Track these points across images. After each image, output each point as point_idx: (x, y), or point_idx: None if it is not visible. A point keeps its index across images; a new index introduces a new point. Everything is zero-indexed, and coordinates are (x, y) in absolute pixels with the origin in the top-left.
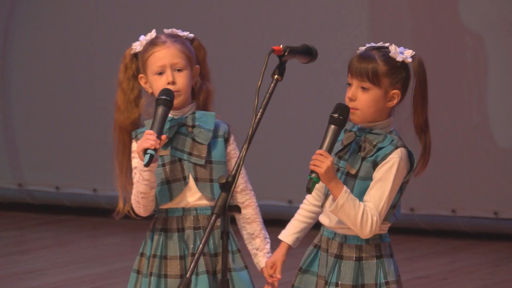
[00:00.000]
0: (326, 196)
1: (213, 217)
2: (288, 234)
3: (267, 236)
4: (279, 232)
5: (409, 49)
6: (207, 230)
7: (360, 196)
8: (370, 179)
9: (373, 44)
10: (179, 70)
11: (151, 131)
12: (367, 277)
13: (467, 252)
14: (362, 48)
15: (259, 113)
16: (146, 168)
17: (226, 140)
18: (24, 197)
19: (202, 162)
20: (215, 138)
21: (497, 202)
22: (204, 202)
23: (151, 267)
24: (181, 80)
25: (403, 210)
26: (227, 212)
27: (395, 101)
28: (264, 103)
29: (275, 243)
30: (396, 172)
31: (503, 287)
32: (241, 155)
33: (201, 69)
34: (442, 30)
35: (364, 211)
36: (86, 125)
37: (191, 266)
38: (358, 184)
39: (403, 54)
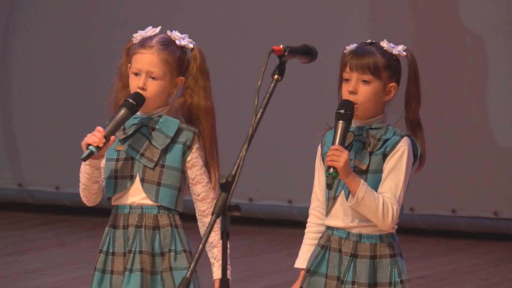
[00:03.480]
0: (334, 199)
1: (213, 217)
2: (303, 260)
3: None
4: (279, 232)
5: (408, 48)
6: (206, 231)
7: (374, 189)
8: (381, 172)
9: (364, 42)
10: (153, 78)
11: (101, 129)
12: (381, 275)
13: (467, 252)
14: (352, 46)
15: (259, 113)
16: (87, 162)
17: (188, 148)
18: (24, 197)
19: (151, 165)
20: (174, 143)
21: (497, 202)
22: (149, 202)
23: (96, 262)
24: (152, 88)
25: None
26: (227, 212)
27: (391, 95)
28: (264, 103)
29: (275, 243)
30: (407, 160)
31: (503, 287)
32: (241, 155)
33: (190, 81)
34: (442, 30)
35: (384, 201)
36: (86, 125)
37: (191, 266)
38: (370, 178)
39: (395, 48)
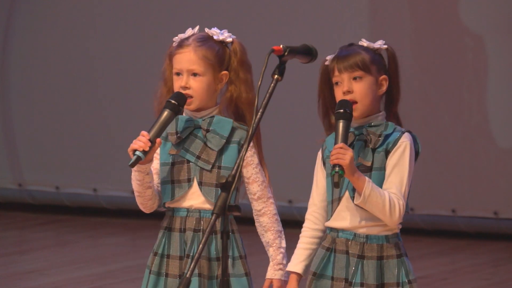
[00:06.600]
0: (338, 200)
1: (213, 217)
2: (295, 264)
3: (282, 245)
4: None
5: (408, 48)
6: (206, 231)
7: (378, 187)
8: (385, 169)
9: (343, 45)
10: (195, 75)
11: (145, 133)
12: (388, 276)
13: (467, 252)
14: (330, 56)
15: (259, 113)
16: (135, 168)
17: (243, 147)
18: (24, 197)
19: (209, 167)
20: (229, 143)
21: (497, 202)
22: (208, 206)
23: (152, 265)
24: (196, 85)
25: None
26: (227, 212)
27: (384, 88)
28: (264, 103)
29: None
30: (410, 155)
31: (503, 287)
32: (241, 155)
33: (232, 75)
34: (442, 30)
35: (390, 197)
36: (86, 125)
37: (191, 266)
38: (375, 175)
39: (376, 43)
